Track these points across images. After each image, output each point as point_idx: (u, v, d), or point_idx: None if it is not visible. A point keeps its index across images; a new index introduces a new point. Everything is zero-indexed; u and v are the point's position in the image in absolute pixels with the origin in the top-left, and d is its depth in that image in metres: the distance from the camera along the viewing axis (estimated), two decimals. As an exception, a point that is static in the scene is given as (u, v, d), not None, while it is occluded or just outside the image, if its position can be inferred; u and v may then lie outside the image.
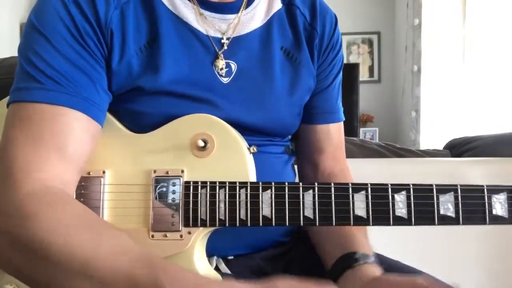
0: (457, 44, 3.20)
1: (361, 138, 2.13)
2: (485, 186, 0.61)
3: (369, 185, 0.62)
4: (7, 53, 1.25)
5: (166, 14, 0.68)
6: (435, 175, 1.13)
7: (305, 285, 0.46)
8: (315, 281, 0.53)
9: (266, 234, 0.75)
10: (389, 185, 0.62)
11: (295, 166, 0.85)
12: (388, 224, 0.61)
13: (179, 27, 0.68)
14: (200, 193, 0.63)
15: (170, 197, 0.64)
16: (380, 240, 0.81)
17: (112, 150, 0.66)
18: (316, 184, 0.63)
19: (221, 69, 0.69)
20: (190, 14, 0.69)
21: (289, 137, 0.82)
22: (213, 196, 0.63)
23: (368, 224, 0.62)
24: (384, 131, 3.99)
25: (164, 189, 0.64)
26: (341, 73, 0.83)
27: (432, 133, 3.31)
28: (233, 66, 0.70)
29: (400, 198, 0.62)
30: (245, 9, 0.72)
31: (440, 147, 1.47)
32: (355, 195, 0.62)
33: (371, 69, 4.29)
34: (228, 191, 0.63)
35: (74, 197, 0.62)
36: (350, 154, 0.87)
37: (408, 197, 0.61)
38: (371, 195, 0.62)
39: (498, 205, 0.61)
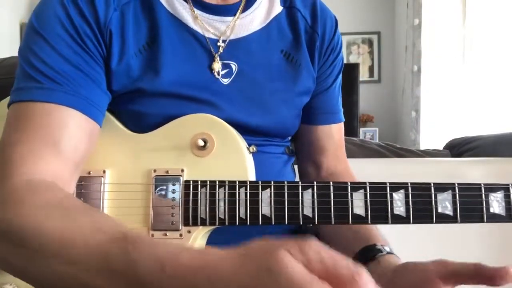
0: (457, 44, 3.21)
1: (361, 138, 2.13)
2: (482, 185, 0.62)
3: (367, 184, 0.62)
4: (7, 53, 1.25)
5: (165, 16, 0.68)
6: (435, 175, 1.13)
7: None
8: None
9: (265, 233, 0.75)
10: (388, 184, 0.62)
11: (295, 167, 0.85)
12: (387, 223, 0.62)
13: (178, 28, 0.69)
14: (200, 192, 0.63)
15: (170, 196, 0.64)
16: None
17: (112, 149, 0.66)
18: (315, 183, 0.63)
19: (220, 70, 0.69)
20: (187, 16, 0.70)
21: (289, 137, 0.82)
22: (212, 195, 0.63)
23: (367, 223, 0.62)
24: (384, 131, 3.99)
25: (164, 188, 0.64)
26: (341, 74, 0.83)
27: (432, 133, 3.31)
28: (234, 67, 0.70)
29: (398, 197, 0.62)
30: (243, 12, 0.73)
31: (440, 147, 1.47)
32: (354, 194, 0.62)
33: (371, 69, 4.29)
34: (228, 190, 0.63)
35: (74, 195, 0.62)
36: (350, 154, 0.87)
37: (407, 196, 0.62)
38: (369, 193, 0.62)
39: (496, 203, 0.62)
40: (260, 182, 0.63)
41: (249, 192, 0.63)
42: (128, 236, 0.46)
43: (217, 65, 0.69)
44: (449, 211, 0.62)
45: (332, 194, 0.62)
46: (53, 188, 0.56)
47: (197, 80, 0.68)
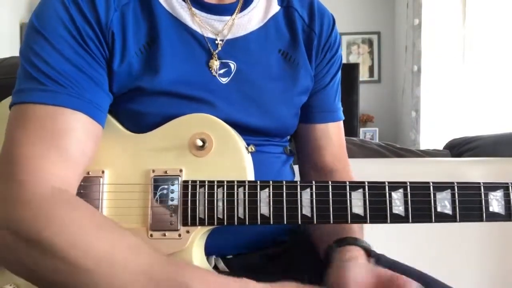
0: (457, 44, 3.20)
1: (361, 138, 2.13)
2: (481, 184, 0.62)
3: (366, 183, 0.62)
4: (7, 53, 1.25)
5: (164, 15, 0.68)
6: (435, 175, 1.13)
7: None
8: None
9: (264, 233, 0.75)
10: (386, 183, 0.62)
11: (293, 167, 0.85)
12: (386, 222, 0.62)
13: (177, 27, 0.69)
14: (199, 192, 0.63)
15: (169, 196, 0.64)
16: (380, 240, 0.81)
17: (111, 150, 0.66)
18: (313, 182, 0.63)
19: (218, 69, 0.69)
20: (186, 15, 0.70)
21: (288, 137, 0.82)
22: (211, 195, 0.63)
23: (366, 222, 0.62)
24: (384, 131, 3.99)
25: (163, 188, 0.64)
26: (339, 73, 0.83)
27: (432, 133, 3.31)
28: (232, 66, 0.70)
29: (397, 196, 0.62)
30: (241, 11, 0.73)
31: (440, 147, 1.47)
32: (353, 193, 0.62)
33: (371, 69, 4.29)
34: (226, 190, 0.63)
35: None
36: (350, 154, 0.87)
37: (405, 195, 0.62)
38: (368, 193, 0.62)
39: (495, 202, 0.61)
40: (258, 182, 0.63)
41: (248, 192, 0.63)
42: (170, 258, 0.54)
43: (215, 64, 0.69)
44: (448, 210, 0.61)
45: (330, 193, 0.62)
46: (78, 203, 0.58)
47: (196, 79, 0.68)
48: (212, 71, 0.69)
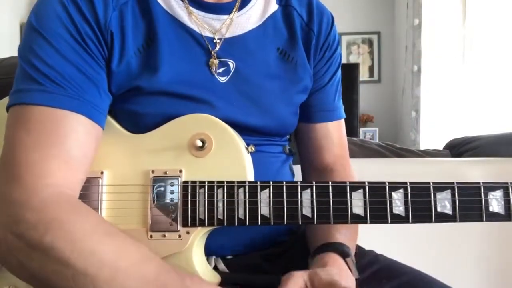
0: (457, 44, 3.20)
1: (361, 138, 2.13)
2: (481, 184, 0.62)
3: (366, 183, 0.62)
4: (7, 53, 1.25)
5: (162, 14, 0.68)
6: (435, 175, 1.13)
7: None
8: None
9: (264, 234, 0.75)
10: (387, 183, 0.62)
11: (293, 167, 0.85)
12: (386, 222, 0.62)
13: (175, 26, 0.69)
14: (199, 193, 0.63)
15: (169, 197, 0.64)
16: (380, 240, 0.81)
17: (110, 150, 0.66)
18: (314, 183, 0.63)
19: (217, 68, 0.69)
20: (183, 14, 0.69)
21: (287, 137, 0.82)
22: (211, 195, 0.63)
23: (366, 222, 0.62)
24: (384, 131, 3.99)
25: (162, 189, 0.64)
26: (339, 71, 0.83)
27: (432, 133, 3.31)
28: (231, 65, 0.70)
29: (397, 196, 0.62)
30: (239, 10, 0.73)
31: (440, 147, 1.47)
32: (353, 194, 0.62)
33: (371, 69, 4.29)
34: (227, 190, 0.63)
35: None
36: (350, 154, 0.87)
37: (406, 195, 0.62)
38: (368, 193, 0.62)
39: (495, 202, 0.62)
40: (259, 182, 0.63)
41: (248, 193, 0.63)
42: (178, 271, 0.55)
43: (214, 63, 0.69)
44: (448, 210, 0.61)
45: (331, 194, 0.62)
46: (86, 209, 0.59)
47: (195, 78, 0.68)
48: (211, 70, 0.69)
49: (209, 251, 0.68)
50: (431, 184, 0.62)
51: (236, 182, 0.63)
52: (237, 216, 0.62)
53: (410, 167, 1.19)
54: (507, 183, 0.62)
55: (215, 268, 0.71)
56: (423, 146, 3.30)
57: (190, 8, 0.70)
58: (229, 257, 0.73)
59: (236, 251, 0.73)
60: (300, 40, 0.75)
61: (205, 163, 0.64)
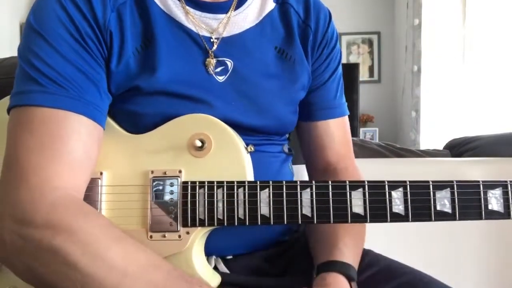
0: (457, 44, 3.20)
1: (361, 138, 2.13)
2: (480, 182, 0.62)
3: (366, 182, 0.62)
4: (7, 53, 1.25)
5: (159, 14, 0.68)
6: (435, 175, 1.13)
7: None
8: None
9: (264, 234, 0.75)
10: (386, 182, 0.62)
11: (292, 166, 0.85)
12: (386, 221, 0.62)
13: (173, 26, 0.69)
14: (198, 193, 0.63)
15: (168, 197, 0.63)
16: (380, 240, 0.81)
17: (109, 151, 0.66)
18: (313, 182, 0.63)
19: (215, 68, 0.69)
20: (180, 14, 0.69)
21: (286, 136, 0.81)
22: (211, 195, 0.63)
23: (366, 221, 0.62)
24: (384, 131, 3.99)
25: (162, 189, 0.64)
26: (339, 68, 0.82)
27: (432, 133, 3.31)
28: (229, 64, 0.70)
29: (397, 195, 0.62)
30: (236, 9, 0.72)
31: (440, 147, 1.47)
32: (353, 193, 0.62)
33: (371, 69, 4.29)
34: (226, 190, 0.63)
35: None
36: (349, 154, 0.87)
37: (405, 194, 0.62)
38: (368, 192, 0.62)
39: (494, 200, 0.61)
40: (258, 182, 0.63)
41: (248, 193, 0.62)
42: (184, 274, 0.55)
43: (212, 63, 0.69)
44: (447, 208, 0.61)
45: (330, 193, 0.62)
46: (93, 212, 0.59)
47: (192, 78, 0.68)
48: (208, 69, 0.69)
49: (209, 251, 0.68)
50: (431, 182, 0.62)
51: (235, 182, 0.63)
52: (237, 216, 0.62)
53: (410, 167, 1.19)
54: (506, 181, 0.62)
55: (215, 268, 0.71)
56: (423, 146, 3.30)
57: (187, 7, 0.70)
58: (229, 257, 0.73)
59: (236, 251, 0.73)
60: (297, 37, 0.75)
61: (204, 163, 0.64)
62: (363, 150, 1.29)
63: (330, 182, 0.63)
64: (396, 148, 1.34)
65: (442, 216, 0.61)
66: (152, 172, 0.64)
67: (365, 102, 3.91)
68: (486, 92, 2.87)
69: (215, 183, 0.63)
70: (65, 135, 0.59)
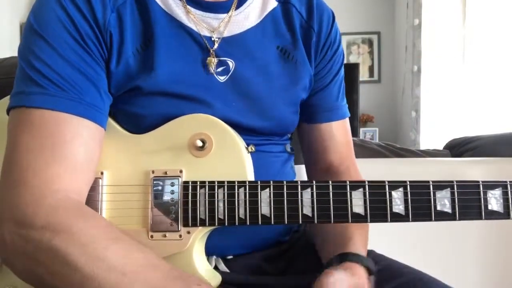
0: (457, 44, 3.20)
1: (361, 138, 2.13)
2: (480, 182, 0.62)
3: (366, 182, 0.62)
4: (7, 53, 1.25)
5: (160, 14, 0.68)
6: (435, 175, 1.13)
7: None
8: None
9: (265, 234, 0.75)
10: (387, 182, 0.62)
11: (294, 166, 0.85)
12: (386, 221, 0.62)
13: (173, 26, 0.68)
14: (199, 193, 0.63)
15: (169, 197, 0.64)
16: (380, 240, 0.81)
17: (110, 151, 0.66)
18: (314, 182, 0.63)
19: (216, 67, 0.69)
20: (181, 13, 0.69)
21: (288, 136, 0.81)
22: (212, 195, 0.63)
23: (366, 221, 0.62)
24: (384, 131, 3.99)
25: (163, 189, 0.64)
26: (342, 70, 0.82)
27: (432, 133, 3.31)
28: (231, 64, 0.70)
29: (397, 195, 0.62)
30: (237, 8, 0.72)
31: (440, 147, 1.47)
32: (353, 193, 0.62)
33: (371, 69, 4.29)
34: (227, 190, 0.63)
35: None
36: (350, 154, 0.87)
37: (405, 194, 0.62)
38: (368, 192, 0.62)
39: (494, 200, 0.62)
40: (259, 182, 0.63)
41: (248, 192, 0.63)
42: (184, 274, 0.54)
43: (213, 62, 0.69)
44: (447, 208, 0.61)
45: (331, 193, 0.62)
46: (93, 214, 0.59)
47: (193, 78, 0.68)
48: (209, 69, 0.69)
49: (209, 251, 0.68)
50: (431, 182, 0.62)
51: (236, 182, 0.63)
52: (238, 216, 0.62)
53: (410, 167, 1.19)
54: (505, 182, 0.62)
55: (216, 268, 0.71)
56: (423, 146, 3.31)
57: (188, 7, 0.69)
58: (229, 257, 0.73)
59: (237, 251, 0.73)
60: (300, 38, 0.74)
61: (205, 163, 0.64)
62: (363, 150, 1.29)
63: (330, 182, 0.63)
64: (396, 148, 1.34)
65: (442, 216, 0.61)
66: (153, 172, 0.64)
67: (365, 102, 3.91)
68: (486, 92, 2.87)
69: (216, 183, 0.63)
70: (66, 138, 0.59)
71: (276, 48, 0.73)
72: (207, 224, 0.63)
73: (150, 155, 0.65)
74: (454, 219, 0.62)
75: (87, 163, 0.60)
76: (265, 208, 0.62)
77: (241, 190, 0.63)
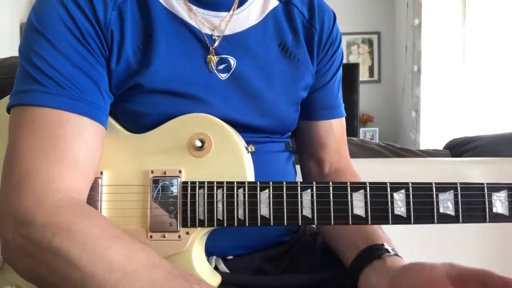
0: (457, 44, 3.20)
1: (361, 138, 2.13)
2: (485, 184, 0.61)
3: (367, 184, 0.62)
4: (7, 53, 1.25)
5: (161, 12, 0.68)
6: (435, 175, 1.13)
7: None
8: None
9: (265, 234, 0.75)
10: (388, 184, 0.61)
11: (295, 164, 0.85)
12: (387, 223, 0.61)
13: (175, 24, 0.68)
14: (198, 193, 0.63)
15: (168, 197, 0.63)
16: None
17: (109, 150, 0.66)
18: (314, 183, 0.62)
19: (217, 65, 0.69)
20: (183, 11, 0.69)
21: (289, 133, 0.81)
22: (211, 196, 0.63)
23: (367, 223, 0.61)
24: (384, 131, 3.99)
25: (162, 189, 0.63)
26: (341, 69, 0.83)
27: (432, 133, 3.31)
28: (232, 62, 0.70)
29: (399, 197, 0.61)
30: (239, 7, 0.72)
31: (440, 147, 1.47)
32: (354, 194, 0.62)
33: (371, 69, 4.29)
34: (226, 191, 0.62)
35: None
36: (350, 154, 0.87)
37: (407, 196, 0.61)
38: (369, 194, 0.61)
39: (499, 203, 0.61)
40: (258, 182, 0.63)
41: (248, 193, 0.62)
42: (184, 273, 0.54)
43: (213, 60, 0.69)
44: (450, 211, 0.61)
45: (331, 194, 0.62)
46: (94, 213, 0.59)
47: (193, 76, 0.68)
48: (210, 67, 0.69)
49: (209, 252, 0.68)
50: (434, 184, 0.61)
51: (235, 183, 0.63)
52: (237, 216, 0.62)
53: (410, 167, 1.19)
54: (511, 184, 0.61)
55: (216, 268, 0.71)
56: (423, 146, 3.30)
57: (190, 5, 0.69)
58: (229, 257, 0.73)
59: (237, 251, 0.73)
60: (302, 37, 0.75)
61: (204, 164, 0.64)
62: (363, 150, 1.29)
63: (330, 183, 0.62)
64: (396, 148, 1.34)
65: (445, 218, 0.60)
66: (152, 172, 0.64)
67: (365, 102, 3.91)
68: (486, 92, 2.87)
69: (215, 183, 0.63)
70: (67, 137, 0.59)
71: (278, 46, 0.74)
72: (206, 225, 0.63)
73: (149, 155, 0.65)
74: (458, 222, 0.60)
75: (88, 162, 0.60)
76: (264, 209, 0.62)
77: (240, 191, 0.62)
